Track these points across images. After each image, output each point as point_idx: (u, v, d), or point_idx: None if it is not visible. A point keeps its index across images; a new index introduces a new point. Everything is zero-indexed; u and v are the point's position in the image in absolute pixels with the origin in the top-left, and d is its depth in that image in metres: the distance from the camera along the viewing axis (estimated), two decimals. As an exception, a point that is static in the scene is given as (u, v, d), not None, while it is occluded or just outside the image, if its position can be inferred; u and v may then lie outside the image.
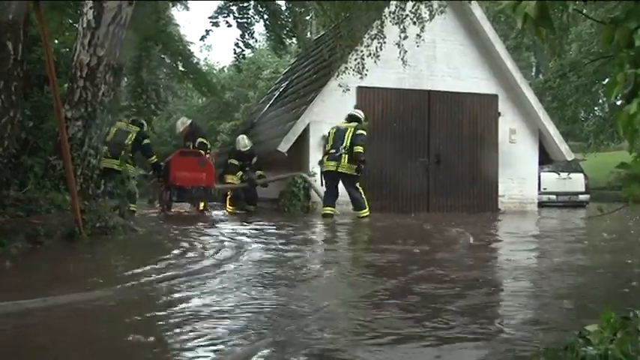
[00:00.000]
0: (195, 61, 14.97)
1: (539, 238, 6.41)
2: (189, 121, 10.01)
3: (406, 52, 9.06)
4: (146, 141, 8.72)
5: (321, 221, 7.94)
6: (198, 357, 1.77)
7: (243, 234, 5.63)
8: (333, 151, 8.33)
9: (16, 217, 4.26)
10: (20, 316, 2.17)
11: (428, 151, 10.54)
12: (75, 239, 4.47)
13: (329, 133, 8.65)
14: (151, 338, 1.88)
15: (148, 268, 3.22)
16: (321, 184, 8.60)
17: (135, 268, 3.18)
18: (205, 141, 9.71)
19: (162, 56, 13.38)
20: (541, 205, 12.27)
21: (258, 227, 6.75)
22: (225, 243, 4.70)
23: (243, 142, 10.33)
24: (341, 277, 3.42)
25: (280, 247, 4.85)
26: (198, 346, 1.84)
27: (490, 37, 10.78)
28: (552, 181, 14.31)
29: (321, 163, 8.66)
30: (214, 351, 1.76)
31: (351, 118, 8.78)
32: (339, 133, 8.48)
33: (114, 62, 5.63)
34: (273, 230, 6.50)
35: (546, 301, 2.74)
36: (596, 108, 21.12)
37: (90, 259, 4.08)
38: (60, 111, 4.65)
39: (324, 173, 8.50)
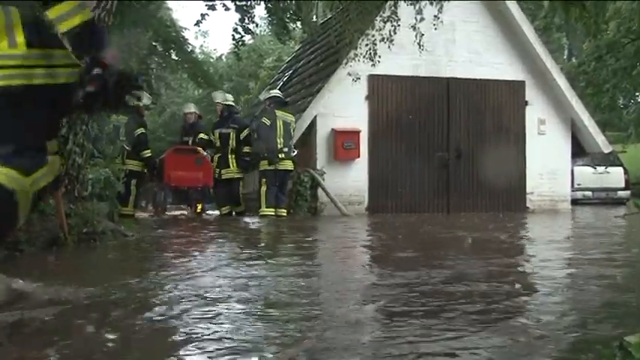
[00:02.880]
0: (189, 48, 15.04)
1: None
2: (196, 112, 9.90)
3: (422, 35, 9.02)
4: (140, 130, 8.66)
5: (328, 226, 7.91)
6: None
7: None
8: (286, 149, 8.60)
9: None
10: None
11: (447, 145, 10.50)
12: (59, 246, 4.48)
13: (276, 123, 8.58)
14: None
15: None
16: (267, 184, 8.58)
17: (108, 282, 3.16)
18: (206, 137, 9.55)
19: (154, 44, 13.43)
20: (575, 202, 12.19)
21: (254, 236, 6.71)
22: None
23: (222, 95, 9.93)
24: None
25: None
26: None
27: (516, 18, 10.71)
28: (587, 176, 14.23)
29: (272, 158, 8.50)
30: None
31: (285, 103, 9.21)
32: (287, 127, 8.72)
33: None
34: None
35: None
36: (637, 94, 20.93)
37: (72, 269, 4.09)
38: (41, 105, 4.66)
39: (275, 172, 8.57)
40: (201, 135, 9.49)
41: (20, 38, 2.23)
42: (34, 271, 3.44)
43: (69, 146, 5.38)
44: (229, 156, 9.22)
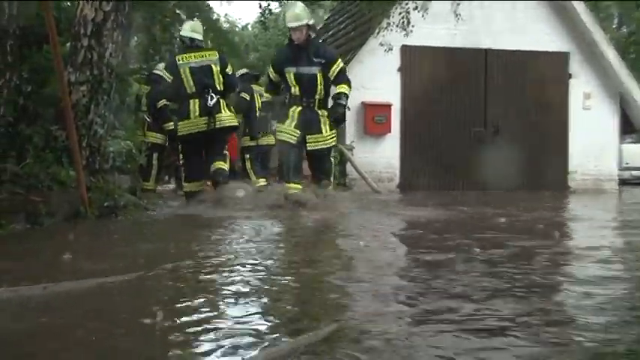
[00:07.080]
0: (214, 17, 14.94)
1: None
2: None
3: (459, 4, 8.82)
4: (162, 101, 8.59)
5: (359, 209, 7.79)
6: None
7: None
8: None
9: (13, 194, 4.31)
10: (18, 304, 2.20)
11: (484, 120, 10.33)
12: (80, 220, 4.51)
13: (255, 98, 8.39)
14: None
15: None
16: (250, 160, 8.50)
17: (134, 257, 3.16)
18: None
19: (177, 12, 13.38)
20: (622, 182, 11.92)
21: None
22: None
23: (306, 13, 6.22)
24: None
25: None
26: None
27: (561, -17, 10.39)
28: (637, 154, 13.88)
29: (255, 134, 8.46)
30: None
31: (257, 77, 9.19)
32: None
33: (122, 18, 5.61)
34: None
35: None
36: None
37: (93, 243, 4.10)
38: (62, 74, 4.65)
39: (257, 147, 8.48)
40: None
41: (227, 109, 6.31)
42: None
43: (90, 117, 5.40)
44: (318, 112, 5.78)
